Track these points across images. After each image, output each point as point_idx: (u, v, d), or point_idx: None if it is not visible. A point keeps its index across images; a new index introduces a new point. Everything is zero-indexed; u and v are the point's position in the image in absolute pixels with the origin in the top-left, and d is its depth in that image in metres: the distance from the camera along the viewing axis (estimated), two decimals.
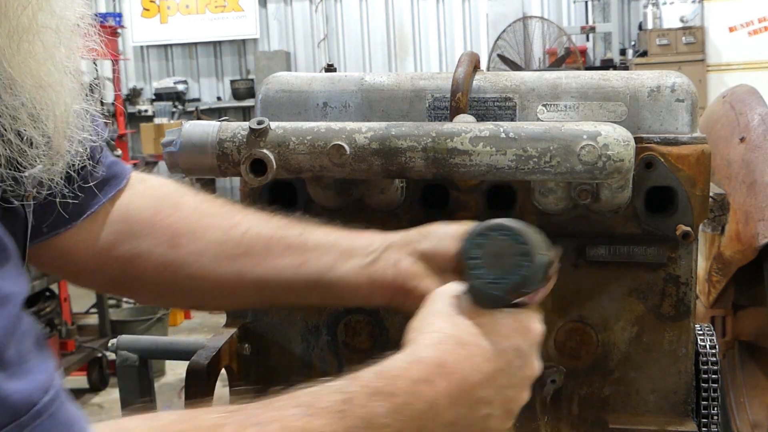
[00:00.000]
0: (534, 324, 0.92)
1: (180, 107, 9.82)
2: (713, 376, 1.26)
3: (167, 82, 9.98)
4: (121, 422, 0.74)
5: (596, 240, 1.24)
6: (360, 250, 1.10)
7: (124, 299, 6.63)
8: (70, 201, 1.03)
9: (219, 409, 0.77)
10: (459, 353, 0.85)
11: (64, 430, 0.64)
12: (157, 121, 9.25)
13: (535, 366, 0.91)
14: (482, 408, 0.85)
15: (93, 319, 5.81)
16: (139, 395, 1.44)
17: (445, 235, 1.07)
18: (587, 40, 9.38)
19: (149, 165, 8.59)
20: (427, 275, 1.06)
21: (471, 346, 0.86)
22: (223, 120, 1.23)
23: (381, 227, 1.32)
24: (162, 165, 8.57)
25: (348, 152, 1.15)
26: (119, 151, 5.86)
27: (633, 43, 9.17)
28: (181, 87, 9.95)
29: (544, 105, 1.25)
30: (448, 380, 0.83)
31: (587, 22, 9.35)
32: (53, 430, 0.63)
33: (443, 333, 0.87)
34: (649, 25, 8.28)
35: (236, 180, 1.23)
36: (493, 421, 0.87)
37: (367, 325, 1.31)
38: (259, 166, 1.14)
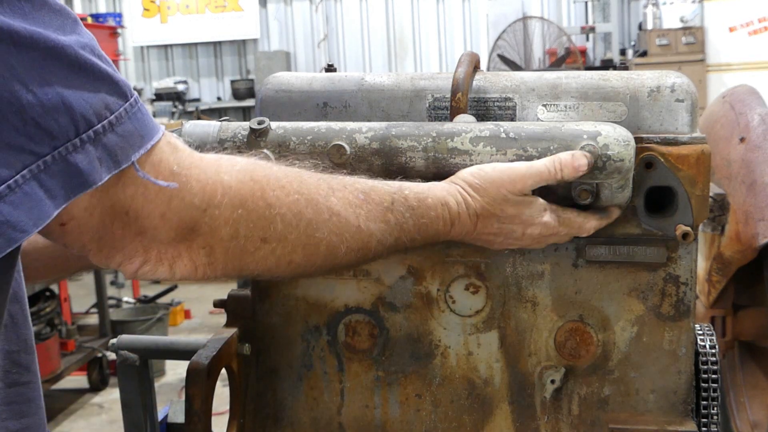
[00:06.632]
0: None
1: (180, 107, 9.82)
2: (713, 376, 1.26)
3: (167, 82, 9.98)
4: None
5: (596, 240, 1.24)
6: None
7: (124, 299, 6.63)
8: None
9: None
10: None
11: (149, 120, 0.88)
12: (157, 121, 9.24)
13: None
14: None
15: (93, 319, 5.81)
16: (139, 395, 1.45)
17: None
18: (587, 40, 9.39)
19: None
20: None
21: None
22: (223, 120, 1.23)
23: None
24: None
25: (348, 152, 1.15)
26: None
27: (633, 43, 9.17)
28: (181, 87, 9.95)
29: (544, 105, 1.25)
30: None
31: (587, 22, 9.35)
32: (144, 117, 0.86)
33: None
34: (649, 25, 8.28)
35: None
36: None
37: (367, 325, 1.30)
38: None
